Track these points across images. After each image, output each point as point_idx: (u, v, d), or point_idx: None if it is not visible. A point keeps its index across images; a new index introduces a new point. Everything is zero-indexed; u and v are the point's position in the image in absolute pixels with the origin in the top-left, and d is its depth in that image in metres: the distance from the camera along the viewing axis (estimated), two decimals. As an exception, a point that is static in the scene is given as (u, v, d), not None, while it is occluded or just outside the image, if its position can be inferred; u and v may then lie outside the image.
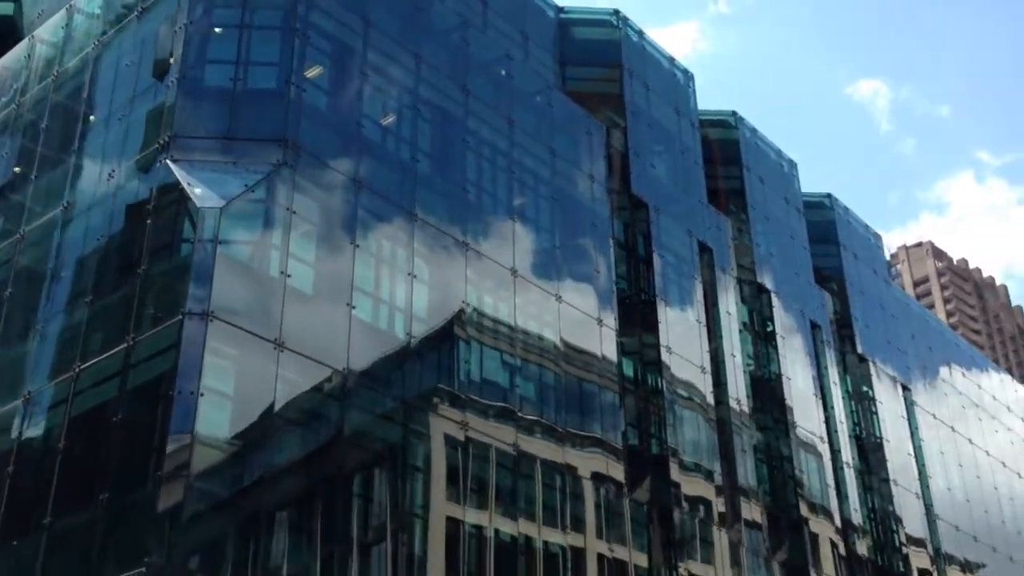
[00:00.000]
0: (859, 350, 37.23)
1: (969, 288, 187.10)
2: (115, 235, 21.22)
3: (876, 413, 36.44)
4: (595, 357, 26.36)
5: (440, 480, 22.10)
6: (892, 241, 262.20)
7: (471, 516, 21.84)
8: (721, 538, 27.70)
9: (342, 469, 19.83)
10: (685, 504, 27.01)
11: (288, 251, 20.08)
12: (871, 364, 37.35)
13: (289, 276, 19.79)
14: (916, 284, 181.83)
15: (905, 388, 39.11)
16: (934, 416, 40.38)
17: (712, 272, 31.49)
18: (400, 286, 22.25)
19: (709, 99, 76.96)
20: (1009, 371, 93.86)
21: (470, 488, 22.31)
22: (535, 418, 24.05)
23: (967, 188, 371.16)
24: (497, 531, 22.27)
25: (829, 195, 39.80)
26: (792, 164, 37.91)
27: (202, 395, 17.52)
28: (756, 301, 33.34)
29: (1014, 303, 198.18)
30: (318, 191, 21.59)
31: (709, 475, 28.21)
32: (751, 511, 29.37)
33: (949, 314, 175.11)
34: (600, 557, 24.28)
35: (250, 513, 18.14)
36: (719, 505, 28.23)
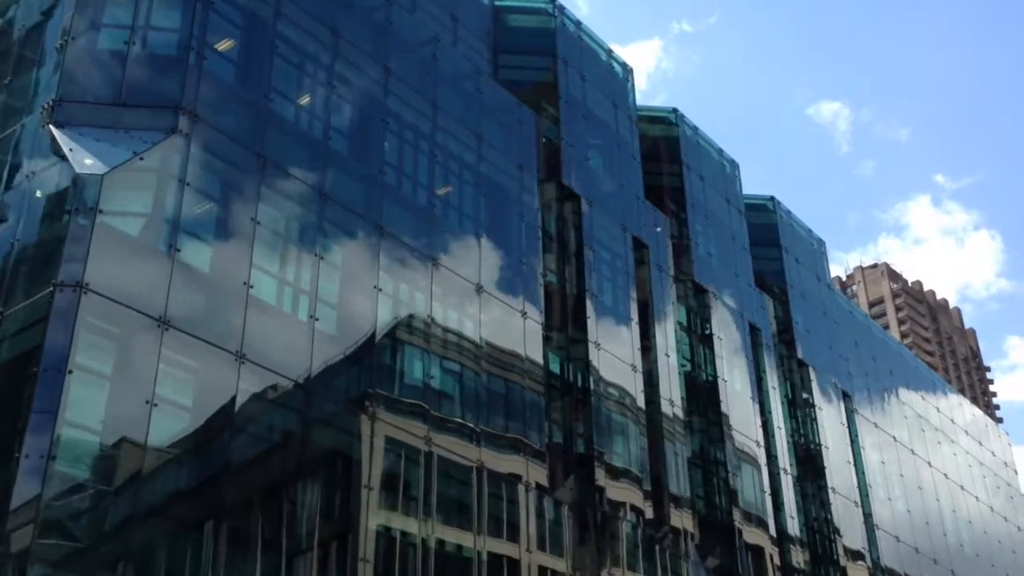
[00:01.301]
0: (799, 355, 36.41)
1: (923, 310, 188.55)
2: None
3: (815, 420, 35.58)
4: (518, 354, 25.19)
5: (375, 486, 20.88)
6: (852, 262, 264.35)
7: (403, 523, 20.88)
8: (648, 544, 26.56)
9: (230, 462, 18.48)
10: (608, 508, 25.84)
11: (179, 226, 18.78)
12: (811, 370, 36.53)
13: (178, 251, 18.49)
14: (871, 305, 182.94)
15: (846, 395, 38.32)
16: (876, 425, 39.63)
17: (648, 269, 30.50)
18: (306, 271, 20.99)
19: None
20: (961, 392, 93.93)
21: (405, 495, 21.35)
22: (456, 419, 22.86)
23: (924, 211, 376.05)
24: (423, 539, 21.08)
25: (772, 198, 39.07)
26: (734, 165, 37.13)
27: (70, 372, 16.15)
28: (693, 301, 32.39)
29: (968, 326, 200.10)
30: (219, 164, 20.32)
31: (637, 480, 27.09)
32: (681, 518, 28.27)
33: (903, 335, 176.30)
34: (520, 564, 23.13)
35: (133, 503, 16.82)
36: (648, 511, 27.11)
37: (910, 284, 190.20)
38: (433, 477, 21.81)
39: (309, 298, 20.83)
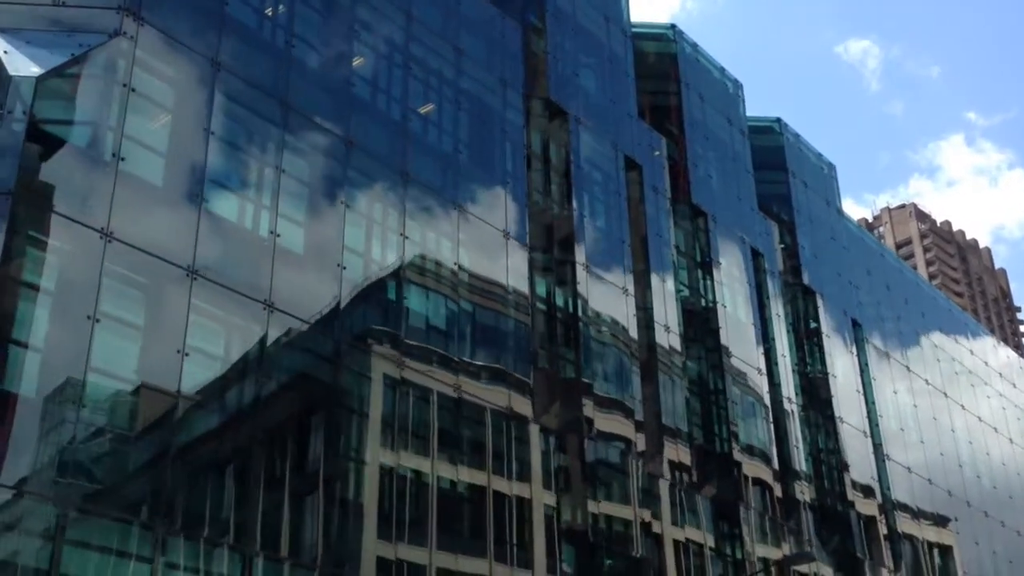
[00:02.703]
0: (806, 282, 35.09)
1: (952, 250, 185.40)
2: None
3: (822, 348, 34.33)
4: (501, 279, 24.05)
5: (376, 424, 20.33)
6: (882, 204, 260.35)
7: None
8: (639, 474, 25.60)
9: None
10: (598, 438, 24.83)
11: (123, 133, 17.76)
12: (818, 297, 35.21)
13: (123, 160, 17.50)
14: (899, 246, 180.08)
15: (856, 324, 37.00)
16: (888, 354, 38.33)
17: (641, 190, 29.22)
18: (267, 184, 19.96)
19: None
20: (991, 333, 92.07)
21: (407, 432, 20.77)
22: (439, 349, 21.93)
23: (957, 151, 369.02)
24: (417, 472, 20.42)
25: (778, 119, 37.49)
26: (737, 84, 35.56)
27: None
28: (691, 224, 31.10)
29: (1000, 266, 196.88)
30: (171, 72, 19.25)
31: (629, 411, 25.96)
32: (677, 450, 27.18)
33: (932, 276, 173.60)
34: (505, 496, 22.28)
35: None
36: (640, 442, 26.02)
37: (938, 224, 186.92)
38: (413, 409, 20.97)
39: (269, 213, 19.82)
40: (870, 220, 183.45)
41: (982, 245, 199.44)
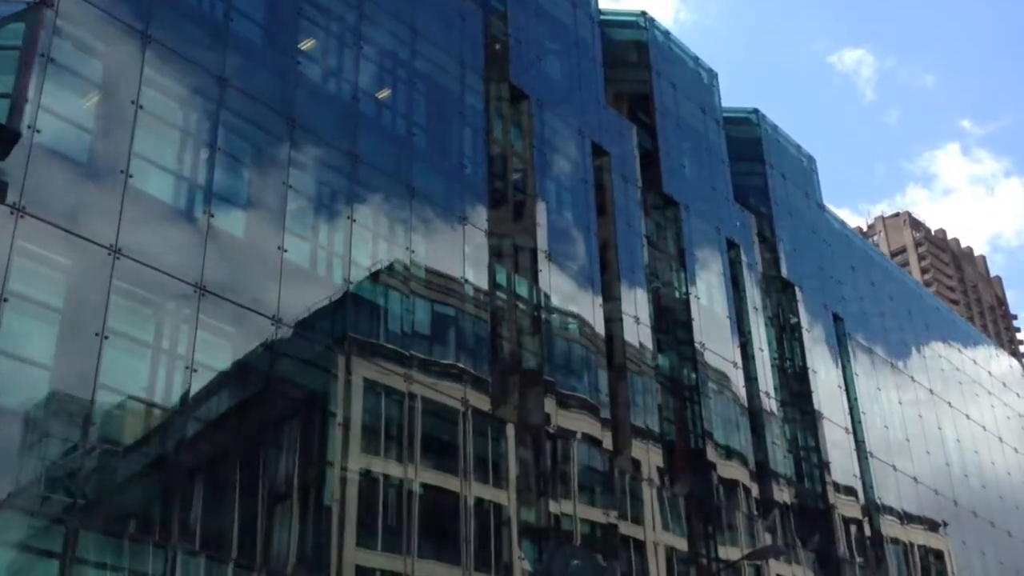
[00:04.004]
0: (784, 274, 34.10)
1: (947, 258, 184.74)
2: None
3: (801, 341, 33.32)
4: (457, 269, 23.04)
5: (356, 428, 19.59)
6: (877, 213, 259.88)
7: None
8: (604, 472, 24.54)
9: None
10: (559, 435, 23.73)
11: (39, 104, 16.80)
12: (797, 290, 34.22)
13: (39, 132, 16.54)
14: (893, 255, 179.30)
15: (837, 318, 35.99)
16: (871, 350, 37.31)
17: (610, 177, 28.26)
18: (188, 159, 19.01)
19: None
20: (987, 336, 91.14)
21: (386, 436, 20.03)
22: (389, 346, 20.91)
23: (953, 160, 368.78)
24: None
25: (756, 110, 36.59)
26: (712, 74, 34.68)
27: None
28: (662, 214, 30.13)
29: (997, 274, 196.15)
30: (100, 45, 18.32)
31: (594, 409, 24.85)
32: (647, 449, 26.07)
33: (927, 284, 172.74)
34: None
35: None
36: (606, 440, 24.91)
37: (933, 232, 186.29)
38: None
39: (188, 184, 18.84)
40: (864, 229, 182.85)
41: (979, 253, 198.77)
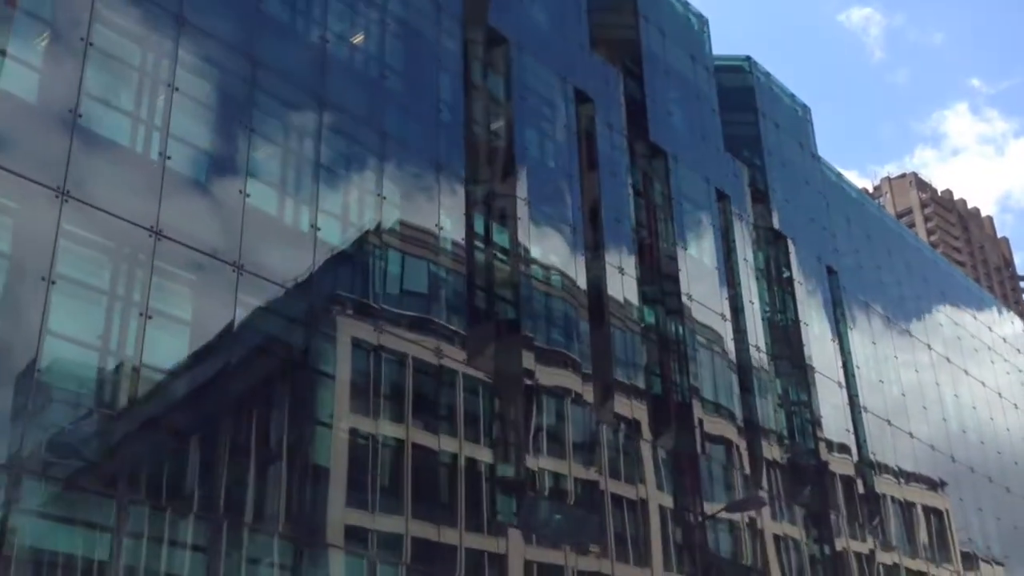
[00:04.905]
0: (776, 226, 33.32)
1: (953, 219, 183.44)
2: None
3: (793, 295, 32.59)
4: (431, 220, 22.29)
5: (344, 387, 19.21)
6: (885, 175, 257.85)
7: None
8: (584, 424, 23.93)
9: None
10: (537, 386, 23.09)
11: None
12: (789, 242, 33.44)
13: (-20, 70, 15.83)
14: (899, 216, 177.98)
15: (831, 271, 35.23)
16: (867, 303, 36.57)
17: (592, 123, 27.43)
18: (145, 101, 18.26)
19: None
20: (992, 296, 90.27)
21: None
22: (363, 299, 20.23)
23: (962, 119, 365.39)
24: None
25: (748, 58, 35.63)
26: (703, 20, 33.70)
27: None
28: (649, 163, 29.32)
29: (1007, 234, 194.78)
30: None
31: (576, 363, 24.12)
32: (631, 406, 25.40)
33: (933, 245, 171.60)
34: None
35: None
36: (588, 394, 24.22)
37: (939, 193, 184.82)
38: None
39: (147, 127, 18.13)
40: (871, 191, 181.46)
41: (987, 214, 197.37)
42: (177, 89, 18.55)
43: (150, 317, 16.67)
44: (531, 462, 22.18)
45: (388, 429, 19.81)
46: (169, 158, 17.93)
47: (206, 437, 17.31)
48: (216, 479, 17.08)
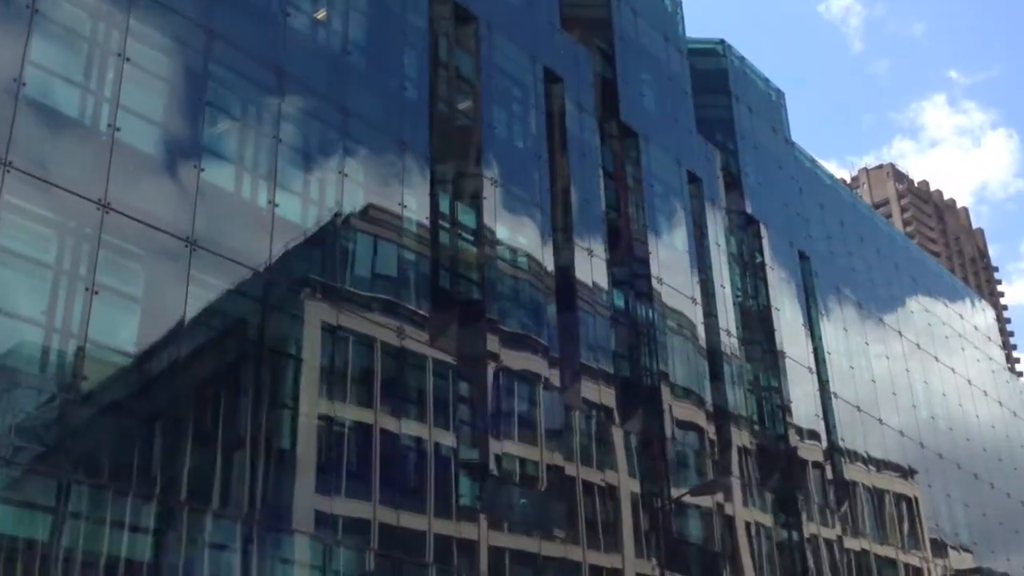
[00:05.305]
0: (748, 210, 33.04)
1: (929, 210, 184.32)
2: None
3: (765, 279, 32.34)
4: (393, 201, 21.79)
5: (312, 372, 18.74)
6: (863, 166, 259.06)
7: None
8: (553, 409, 23.56)
9: None
10: (503, 373, 22.68)
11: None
12: (761, 226, 33.19)
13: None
14: (876, 207, 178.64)
15: (803, 256, 35.02)
16: (838, 289, 36.41)
17: (562, 103, 27.01)
18: (95, 73, 17.68)
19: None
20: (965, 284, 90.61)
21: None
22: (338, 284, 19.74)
23: (940, 111, 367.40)
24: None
25: (722, 41, 35.29)
26: (676, 2, 33.31)
27: None
28: (619, 143, 28.93)
29: (983, 226, 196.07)
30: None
31: (542, 347, 23.71)
32: (598, 390, 25.03)
33: (909, 236, 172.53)
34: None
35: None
36: (554, 378, 23.82)
37: (916, 184, 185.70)
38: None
39: (109, 105, 17.57)
40: (848, 181, 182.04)
41: (963, 205, 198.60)
42: (128, 60, 17.97)
43: (96, 292, 16.15)
44: (495, 446, 21.80)
45: (355, 414, 19.40)
46: (119, 130, 17.37)
47: (162, 422, 16.82)
48: (178, 464, 16.62)
